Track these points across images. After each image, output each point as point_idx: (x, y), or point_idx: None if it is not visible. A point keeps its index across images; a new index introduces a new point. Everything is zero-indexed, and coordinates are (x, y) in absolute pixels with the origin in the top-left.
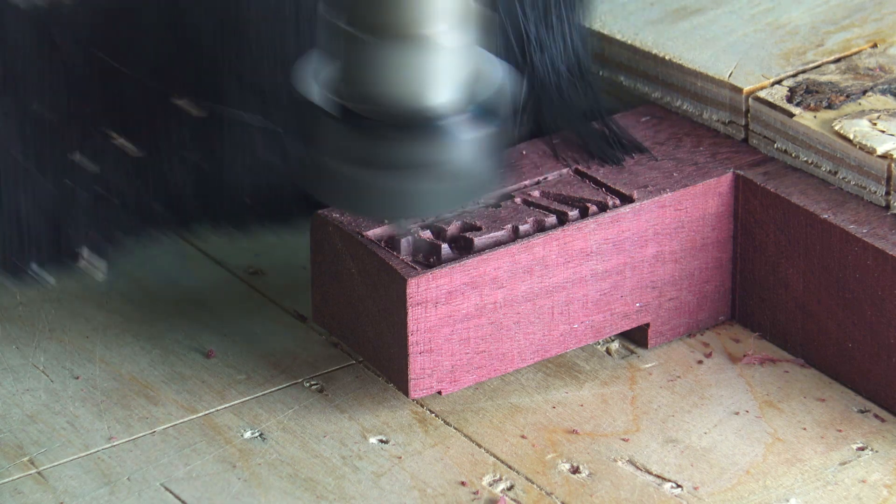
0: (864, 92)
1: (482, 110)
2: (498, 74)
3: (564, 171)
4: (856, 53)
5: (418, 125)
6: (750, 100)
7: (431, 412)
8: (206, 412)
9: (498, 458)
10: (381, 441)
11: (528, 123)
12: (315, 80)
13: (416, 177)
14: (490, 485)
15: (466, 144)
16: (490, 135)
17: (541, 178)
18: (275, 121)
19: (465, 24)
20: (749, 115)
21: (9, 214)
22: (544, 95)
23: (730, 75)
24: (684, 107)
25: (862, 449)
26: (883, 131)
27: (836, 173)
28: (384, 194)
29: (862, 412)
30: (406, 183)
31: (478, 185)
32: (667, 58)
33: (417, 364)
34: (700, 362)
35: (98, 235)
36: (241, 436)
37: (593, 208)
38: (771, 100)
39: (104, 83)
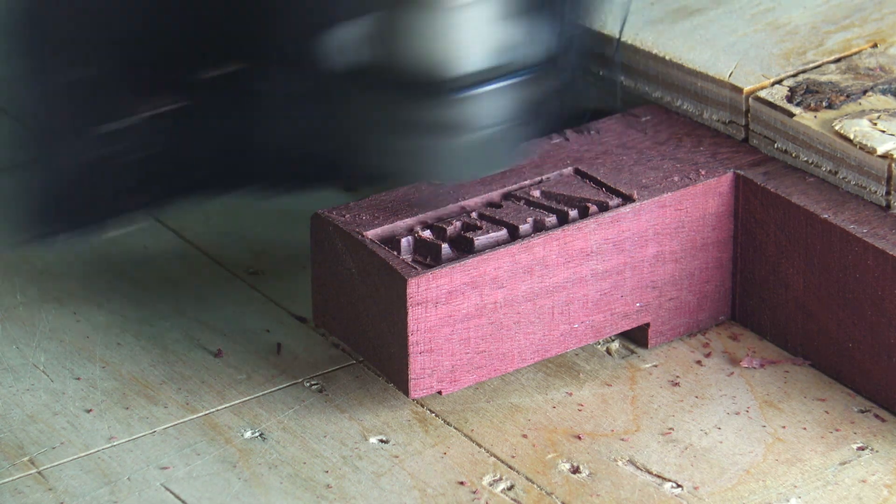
0: (865, 92)
1: (523, 73)
2: (541, 38)
3: (565, 171)
4: (856, 53)
5: (453, 89)
6: (750, 100)
7: (431, 412)
8: (206, 412)
9: (498, 458)
10: (381, 441)
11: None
12: (351, 47)
13: (450, 139)
14: (490, 485)
15: (503, 108)
16: (528, 98)
17: (541, 178)
18: (306, 88)
19: None
20: (749, 115)
21: (63, 178)
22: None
23: (730, 75)
24: (684, 107)
25: (862, 449)
26: (883, 131)
27: (836, 173)
28: (417, 157)
29: (862, 412)
30: (438, 145)
31: (514, 150)
32: (667, 58)
33: (417, 364)
34: (700, 362)
35: (151, 198)
36: (242, 436)
37: (593, 208)
38: (771, 100)
39: (155, 46)
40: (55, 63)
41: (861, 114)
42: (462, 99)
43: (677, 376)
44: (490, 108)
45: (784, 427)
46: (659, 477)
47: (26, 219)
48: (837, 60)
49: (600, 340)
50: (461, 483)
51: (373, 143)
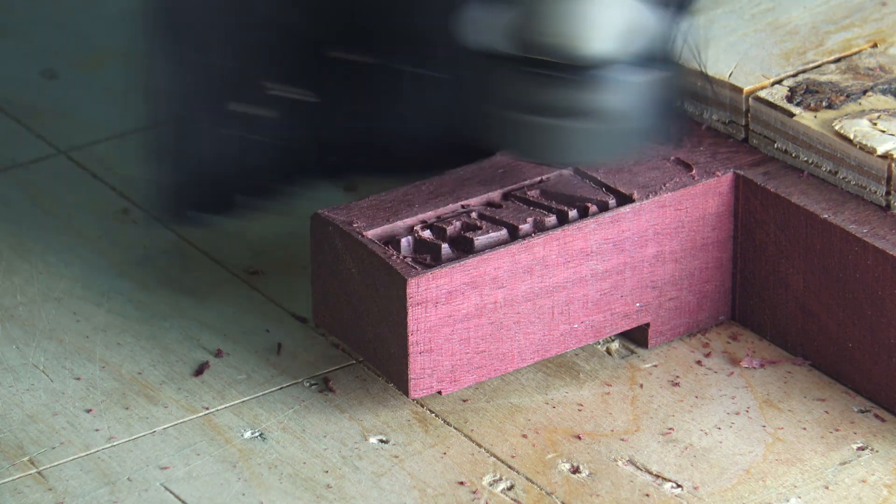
0: (865, 92)
1: (649, 58)
2: (662, 23)
3: (564, 170)
4: (856, 53)
5: (587, 72)
6: (750, 100)
7: (431, 412)
8: (206, 412)
9: (498, 458)
10: (381, 441)
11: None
12: (483, 29)
13: (584, 122)
14: (490, 485)
15: (634, 91)
16: (657, 82)
17: (541, 178)
18: (440, 70)
19: None
20: (749, 115)
21: (179, 163)
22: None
23: (730, 75)
24: (684, 107)
25: (862, 449)
26: (883, 131)
27: (836, 173)
28: (554, 139)
29: (862, 412)
30: (574, 128)
31: (644, 132)
32: None
33: (417, 364)
34: (700, 362)
35: (259, 183)
36: (242, 436)
37: (593, 208)
38: (771, 100)
39: (271, 34)
40: (189, 46)
41: (861, 114)
42: (597, 80)
43: (677, 376)
44: (625, 89)
45: (784, 427)
46: (659, 477)
47: (169, 199)
48: (837, 60)
49: (600, 340)
50: (461, 483)
51: (510, 124)
